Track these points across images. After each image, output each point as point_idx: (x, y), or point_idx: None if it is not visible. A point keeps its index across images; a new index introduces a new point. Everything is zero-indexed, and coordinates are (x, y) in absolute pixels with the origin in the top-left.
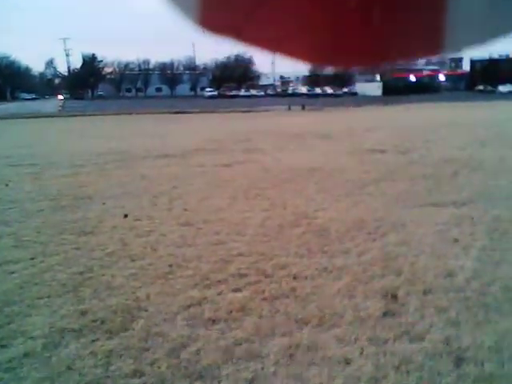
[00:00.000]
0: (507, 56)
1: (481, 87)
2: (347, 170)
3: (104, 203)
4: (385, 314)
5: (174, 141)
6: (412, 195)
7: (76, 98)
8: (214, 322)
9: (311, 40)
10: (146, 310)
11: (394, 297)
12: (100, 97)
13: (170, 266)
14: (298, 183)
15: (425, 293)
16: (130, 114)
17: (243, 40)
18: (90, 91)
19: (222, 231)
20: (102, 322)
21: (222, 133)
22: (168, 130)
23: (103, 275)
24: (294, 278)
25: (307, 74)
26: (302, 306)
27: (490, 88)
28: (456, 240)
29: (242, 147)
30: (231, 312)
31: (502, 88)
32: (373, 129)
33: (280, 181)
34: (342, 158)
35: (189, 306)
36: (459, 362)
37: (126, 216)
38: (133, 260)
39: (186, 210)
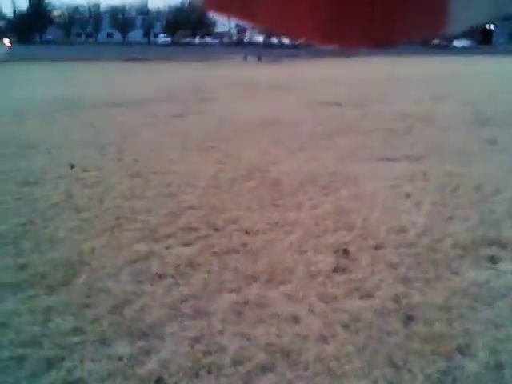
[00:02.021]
0: None
1: (436, 41)
2: (302, 123)
3: (49, 152)
4: (335, 270)
5: (126, 90)
6: (366, 150)
7: (23, 42)
8: (160, 277)
9: (316, 19)
10: (90, 265)
11: (345, 252)
12: (49, 41)
13: (117, 218)
14: (253, 135)
15: (376, 248)
16: (81, 60)
17: (248, 19)
18: (38, 35)
19: (173, 183)
20: (42, 277)
21: (175, 82)
22: (119, 78)
23: (46, 227)
24: (246, 232)
25: None
26: (253, 262)
27: (444, 42)
28: (408, 195)
29: (196, 97)
30: (179, 267)
31: (456, 43)
32: (329, 81)
33: (234, 132)
34: (297, 110)
35: (135, 261)
36: (408, 320)
37: (72, 166)
38: (78, 212)
39: (135, 160)
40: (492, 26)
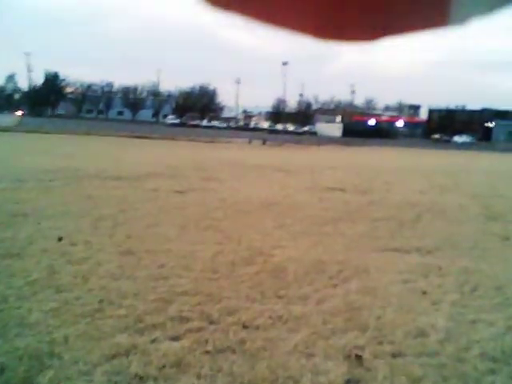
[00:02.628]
0: (463, 107)
1: (437, 136)
2: (306, 207)
3: (39, 223)
4: (348, 382)
5: (130, 164)
6: (373, 238)
7: (35, 115)
8: (140, 379)
9: (315, 13)
10: (60, 358)
11: (359, 358)
12: (60, 115)
13: (101, 301)
14: (255, 216)
15: (394, 356)
16: (89, 134)
17: (246, 13)
18: (50, 109)
19: (167, 264)
20: (1, 371)
21: (180, 160)
22: (125, 153)
23: (18, 308)
24: (244, 326)
25: (270, 110)
26: (251, 365)
27: (445, 137)
28: (424, 292)
29: (199, 175)
30: (164, 368)
31: (457, 138)
32: (333, 168)
33: (236, 212)
34: (302, 194)
35: (113, 357)
36: None
37: (60, 239)
38: (58, 292)
39: (128, 236)
40: (492, 124)
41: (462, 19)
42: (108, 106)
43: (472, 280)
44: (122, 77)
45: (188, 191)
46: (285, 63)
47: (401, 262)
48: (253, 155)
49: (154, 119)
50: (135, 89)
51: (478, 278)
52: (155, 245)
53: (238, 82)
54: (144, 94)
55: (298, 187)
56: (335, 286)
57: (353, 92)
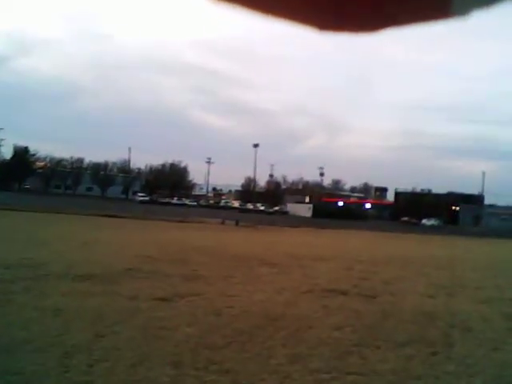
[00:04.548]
0: (429, 190)
1: (406, 218)
2: (314, 323)
3: None
4: None
5: (101, 253)
6: (413, 379)
7: (1, 189)
8: None
9: (316, 4)
10: None
11: None
12: (27, 190)
13: None
14: (260, 342)
15: None
16: (58, 212)
17: (248, 5)
18: (17, 183)
19: None
20: None
21: (155, 247)
22: (95, 236)
23: None
24: None
25: (240, 188)
26: None
27: (414, 220)
28: None
29: (180, 272)
30: None
31: (425, 221)
32: (320, 258)
33: (236, 335)
34: (302, 301)
35: None
36: None
37: None
38: None
39: None
40: (457, 208)
41: (463, 11)
42: (77, 181)
43: None
44: (92, 153)
45: (173, 298)
46: (256, 145)
47: None
48: (230, 240)
49: (124, 196)
50: (105, 165)
51: None
52: None
53: (208, 161)
54: (114, 171)
55: (294, 289)
56: None
57: (321, 174)
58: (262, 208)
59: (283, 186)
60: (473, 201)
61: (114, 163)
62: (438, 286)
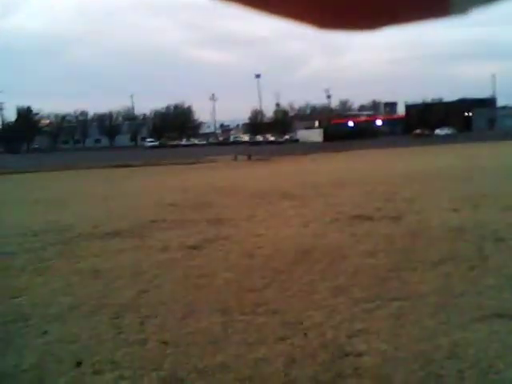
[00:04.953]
0: (440, 100)
1: (418, 131)
2: (346, 251)
3: (45, 332)
4: None
5: (122, 207)
6: (456, 297)
7: (10, 152)
8: None
9: (316, 2)
10: None
11: None
12: (36, 150)
13: None
14: (299, 279)
15: None
16: (69, 169)
17: (248, 3)
18: (25, 144)
19: None
20: None
21: (175, 193)
22: (112, 189)
23: None
24: None
25: (247, 121)
26: None
27: (427, 132)
28: None
29: (206, 216)
30: None
31: (438, 131)
32: (339, 184)
33: (275, 274)
34: (329, 232)
35: None
36: None
37: (79, 364)
38: None
39: (166, 343)
40: (470, 114)
41: (462, 8)
42: (84, 135)
43: None
44: (95, 105)
45: (203, 244)
46: (258, 75)
47: None
48: (246, 177)
49: (133, 143)
50: (110, 115)
51: None
52: (204, 355)
53: (212, 97)
54: (119, 120)
55: (319, 220)
56: None
57: (328, 97)
58: (272, 139)
59: (291, 114)
60: (485, 105)
61: (119, 112)
62: (461, 198)
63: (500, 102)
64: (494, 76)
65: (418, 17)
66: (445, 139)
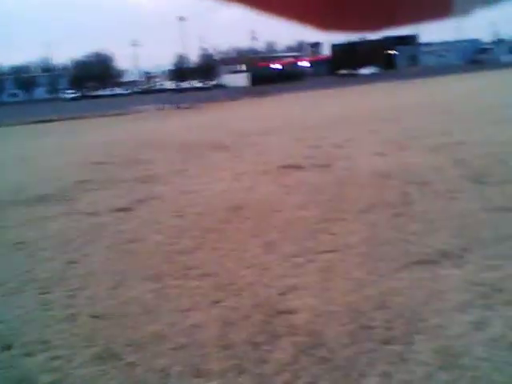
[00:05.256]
0: (364, 39)
1: (344, 71)
2: (278, 206)
3: None
4: None
5: (45, 168)
6: (385, 244)
7: None
8: None
9: (317, 3)
10: None
11: None
12: None
13: None
14: (231, 237)
15: None
16: None
17: (247, 2)
18: None
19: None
20: None
21: (101, 150)
22: (32, 149)
23: None
24: None
25: (172, 67)
26: None
27: (352, 71)
28: None
29: (134, 174)
30: None
31: (364, 70)
32: (266, 132)
33: (205, 233)
34: (261, 185)
35: None
36: None
37: (8, 348)
38: None
39: (95, 316)
40: (394, 52)
41: (464, 9)
42: None
43: None
44: (8, 57)
45: (133, 206)
46: (181, 18)
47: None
48: (174, 128)
49: (52, 95)
50: (27, 67)
51: None
52: (138, 326)
53: (134, 43)
54: (38, 71)
55: (250, 172)
56: None
57: (254, 38)
58: (199, 85)
59: (216, 58)
60: (408, 42)
61: (36, 64)
62: (387, 141)
63: (423, 39)
64: None
65: (421, 17)
66: (370, 78)
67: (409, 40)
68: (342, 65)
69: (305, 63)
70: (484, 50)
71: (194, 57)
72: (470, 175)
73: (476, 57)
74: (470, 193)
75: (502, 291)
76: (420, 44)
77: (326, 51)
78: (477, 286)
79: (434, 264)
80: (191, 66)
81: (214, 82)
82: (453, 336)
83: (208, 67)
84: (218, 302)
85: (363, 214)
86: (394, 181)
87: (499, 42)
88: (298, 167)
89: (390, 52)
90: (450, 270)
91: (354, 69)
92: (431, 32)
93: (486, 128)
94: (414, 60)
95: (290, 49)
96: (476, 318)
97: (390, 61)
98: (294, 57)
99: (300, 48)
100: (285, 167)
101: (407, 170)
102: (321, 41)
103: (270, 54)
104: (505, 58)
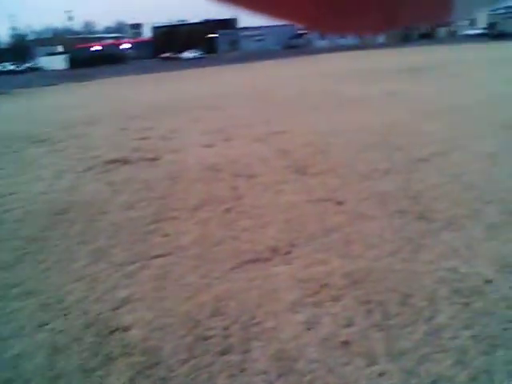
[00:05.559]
0: (185, 22)
1: (167, 54)
2: (105, 208)
3: None
4: None
5: None
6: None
7: None
8: None
9: (315, 3)
10: None
11: None
12: None
13: None
14: (56, 246)
15: None
16: None
17: (244, 3)
18: None
19: None
20: None
21: None
22: None
23: None
24: None
25: None
26: None
27: (175, 55)
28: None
29: None
30: None
31: (186, 54)
32: (90, 121)
33: (26, 243)
34: (86, 184)
35: None
36: None
37: None
38: None
39: None
40: (215, 35)
41: (464, 11)
42: None
43: None
44: None
45: None
46: None
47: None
48: None
49: None
50: None
51: None
52: None
53: None
54: None
55: (74, 169)
56: None
57: (70, 19)
58: (12, 67)
59: (30, 38)
60: (228, 26)
61: None
62: (213, 131)
63: (243, 23)
64: None
65: (421, 18)
66: (193, 62)
67: (228, 24)
68: (164, 48)
69: (126, 45)
70: (299, 35)
71: (4, 37)
72: (293, 166)
73: (291, 42)
74: (295, 184)
75: (328, 286)
76: (239, 28)
77: (148, 33)
78: (305, 282)
79: (266, 262)
80: (1, 46)
81: (28, 65)
82: (287, 339)
83: (21, 48)
84: (44, 325)
85: (195, 212)
86: (223, 174)
87: None
88: (126, 161)
89: (211, 36)
90: (280, 268)
91: (177, 52)
92: (249, 16)
93: (306, 116)
94: (234, 44)
95: (110, 30)
96: (307, 318)
97: (211, 45)
98: (114, 38)
99: (120, 29)
100: (111, 162)
101: (235, 162)
102: (142, 22)
103: (89, 35)
104: (319, 42)
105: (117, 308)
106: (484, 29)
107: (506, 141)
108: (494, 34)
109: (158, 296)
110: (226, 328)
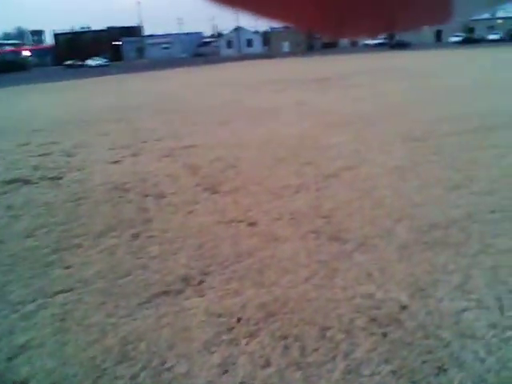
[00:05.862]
0: (89, 28)
1: (70, 62)
2: (2, 234)
3: None
4: None
5: None
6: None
7: None
8: None
9: (316, 7)
10: None
11: None
12: None
13: None
14: None
15: None
16: None
17: (244, 7)
18: None
19: None
20: None
21: None
22: None
23: None
24: None
25: None
26: None
27: (78, 62)
28: None
29: None
30: None
31: (90, 62)
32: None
33: None
34: None
35: None
36: None
37: None
38: None
39: None
40: (120, 43)
41: (464, 13)
42: None
43: None
44: None
45: None
46: None
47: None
48: None
49: None
50: None
51: None
52: None
53: None
54: None
55: None
56: None
57: None
58: None
59: None
60: (133, 33)
61: None
62: (120, 146)
63: (148, 31)
64: (139, 3)
65: (422, 20)
66: (97, 70)
67: (133, 31)
68: (67, 55)
69: (27, 52)
70: (206, 44)
71: None
72: (204, 184)
73: (198, 50)
74: (206, 204)
75: (243, 321)
76: (145, 36)
77: (49, 40)
78: (219, 317)
79: (177, 295)
80: None
81: None
82: None
83: None
84: None
85: (100, 239)
86: (131, 194)
87: (219, 35)
88: (26, 181)
89: (116, 43)
90: (192, 301)
91: (81, 60)
92: (154, 24)
93: (215, 128)
94: (140, 52)
95: (8, 36)
96: (223, 359)
97: (116, 52)
98: (14, 45)
99: (20, 35)
100: (10, 182)
101: (143, 180)
102: (43, 29)
103: None
104: (225, 51)
105: (15, 356)
106: (384, 38)
107: (409, 154)
108: (392, 43)
109: (60, 341)
110: (134, 376)
